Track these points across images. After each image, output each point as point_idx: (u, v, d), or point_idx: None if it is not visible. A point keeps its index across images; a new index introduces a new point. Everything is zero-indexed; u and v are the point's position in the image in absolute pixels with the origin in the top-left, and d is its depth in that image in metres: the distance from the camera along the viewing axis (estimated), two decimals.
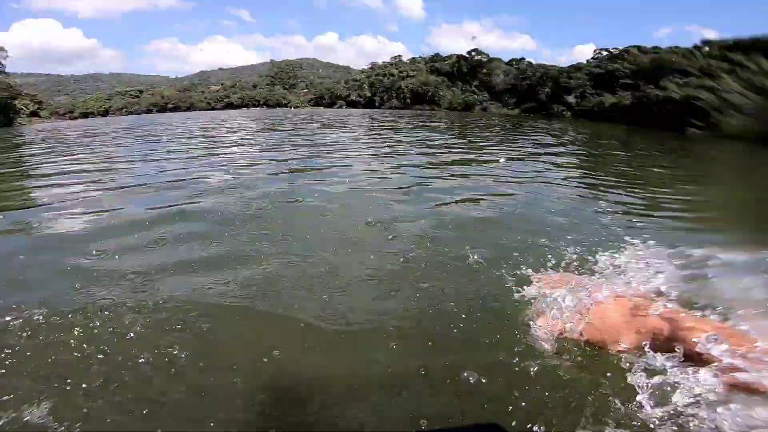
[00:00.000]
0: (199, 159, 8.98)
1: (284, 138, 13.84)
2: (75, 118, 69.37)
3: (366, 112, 43.23)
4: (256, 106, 78.40)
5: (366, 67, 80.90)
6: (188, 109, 75.08)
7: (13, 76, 73.69)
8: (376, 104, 66.70)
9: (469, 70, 50.13)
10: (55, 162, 9.25)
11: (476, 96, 41.52)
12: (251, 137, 14.58)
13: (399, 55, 75.54)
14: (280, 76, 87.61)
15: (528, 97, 39.61)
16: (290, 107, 77.80)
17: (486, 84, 43.07)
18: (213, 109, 75.54)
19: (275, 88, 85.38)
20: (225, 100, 79.64)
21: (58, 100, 78.19)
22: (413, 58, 72.01)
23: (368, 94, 71.36)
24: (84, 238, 3.69)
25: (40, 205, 5.11)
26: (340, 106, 74.87)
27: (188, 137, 15.19)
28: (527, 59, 46.33)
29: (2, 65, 65.39)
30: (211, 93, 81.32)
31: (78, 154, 11.02)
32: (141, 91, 79.20)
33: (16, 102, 65.46)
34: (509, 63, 46.42)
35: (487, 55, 51.37)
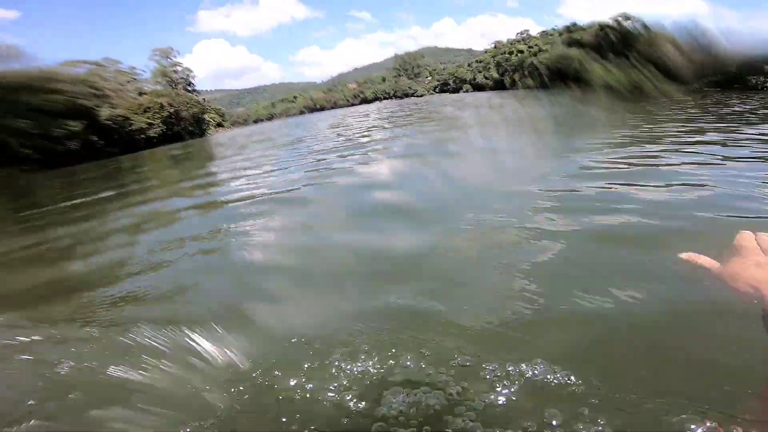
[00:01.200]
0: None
1: None
2: (249, 125, 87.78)
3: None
4: (387, 98, 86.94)
5: (489, 47, 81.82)
6: (332, 107, 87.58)
7: (202, 93, 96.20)
8: (506, 85, 67.84)
9: (619, 40, 48.42)
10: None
11: (639, 71, 40.93)
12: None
13: (526, 30, 74.61)
14: (405, 68, 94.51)
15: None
16: (416, 96, 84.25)
17: (648, 57, 41.87)
18: (352, 105, 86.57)
19: (401, 80, 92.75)
20: (360, 96, 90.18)
21: (237, 111, 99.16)
22: (544, 31, 70.48)
23: (495, 75, 72.83)
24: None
25: None
26: (466, 90, 77.90)
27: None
28: (701, 24, 42.62)
29: (193, 85, 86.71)
30: (349, 91, 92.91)
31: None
32: (296, 97, 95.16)
33: (206, 116, 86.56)
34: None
35: (641, 21, 48.75)
